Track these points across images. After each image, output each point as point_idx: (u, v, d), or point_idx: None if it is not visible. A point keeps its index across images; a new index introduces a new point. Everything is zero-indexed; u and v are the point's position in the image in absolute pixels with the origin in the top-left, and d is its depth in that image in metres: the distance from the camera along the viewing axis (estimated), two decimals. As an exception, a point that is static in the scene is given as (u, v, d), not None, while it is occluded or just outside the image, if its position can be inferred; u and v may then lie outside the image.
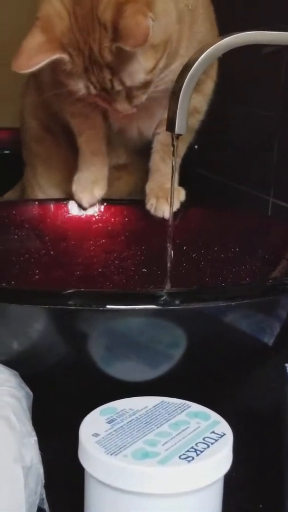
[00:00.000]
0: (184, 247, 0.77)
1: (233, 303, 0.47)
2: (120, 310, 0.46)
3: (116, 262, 0.79)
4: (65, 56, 0.65)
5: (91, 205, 0.80)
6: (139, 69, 0.65)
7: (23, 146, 0.94)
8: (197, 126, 0.82)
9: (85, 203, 0.80)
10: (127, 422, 0.43)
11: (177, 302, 0.46)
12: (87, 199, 0.79)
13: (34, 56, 0.64)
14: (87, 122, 0.78)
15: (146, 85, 0.68)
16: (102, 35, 0.63)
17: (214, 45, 0.60)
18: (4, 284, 0.71)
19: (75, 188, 0.80)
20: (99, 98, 0.69)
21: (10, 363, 0.48)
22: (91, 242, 0.80)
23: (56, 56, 0.65)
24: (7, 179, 1.09)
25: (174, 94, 0.61)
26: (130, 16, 0.60)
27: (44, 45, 0.64)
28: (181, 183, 0.81)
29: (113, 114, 0.77)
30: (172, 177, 0.71)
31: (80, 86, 0.68)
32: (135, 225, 0.81)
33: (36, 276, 0.75)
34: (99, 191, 0.80)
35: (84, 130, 0.80)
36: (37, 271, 0.76)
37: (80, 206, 0.80)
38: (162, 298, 0.45)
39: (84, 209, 0.80)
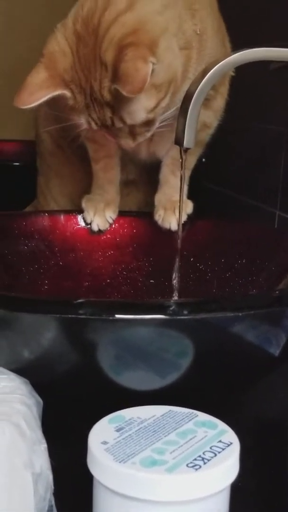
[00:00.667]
0: (192, 259, 0.78)
1: (240, 314, 0.48)
2: (130, 319, 0.46)
3: (124, 273, 0.80)
4: (66, 92, 0.67)
5: (104, 229, 0.81)
6: (139, 108, 0.66)
7: (38, 156, 0.95)
8: (207, 140, 0.83)
9: (95, 227, 0.81)
10: (136, 431, 0.44)
11: (185, 312, 0.46)
12: (98, 222, 0.81)
13: (36, 91, 0.66)
14: (103, 149, 0.79)
15: (148, 123, 0.68)
16: (103, 75, 0.64)
17: (222, 62, 0.61)
18: (13, 293, 0.72)
19: (87, 209, 0.81)
20: (102, 132, 0.70)
21: (20, 371, 0.49)
22: (100, 253, 0.81)
23: (57, 92, 0.66)
24: (17, 191, 1.11)
25: (182, 109, 0.62)
26: (131, 61, 0.61)
27: (46, 81, 0.66)
28: (189, 196, 0.82)
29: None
30: (180, 190, 0.72)
31: (82, 121, 0.69)
32: (143, 237, 0.82)
33: (45, 287, 0.76)
34: (112, 214, 0.81)
35: (100, 158, 0.81)
36: (46, 282, 0.77)
37: (90, 227, 0.81)
38: (170, 308, 0.46)
39: (95, 232, 0.81)
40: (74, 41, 0.66)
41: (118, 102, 0.65)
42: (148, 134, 0.71)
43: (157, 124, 0.70)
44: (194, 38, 0.70)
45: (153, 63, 0.63)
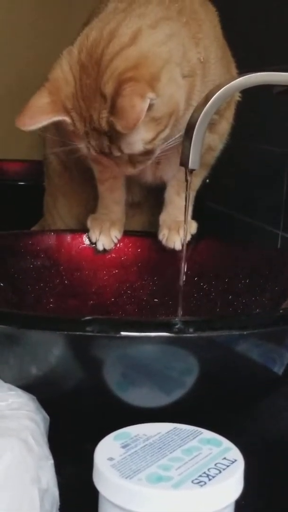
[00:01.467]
0: (195, 278, 0.79)
1: (245, 332, 0.48)
2: (136, 337, 0.47)
3: (128, 292, 0.81)
4: (67, 119, 0.68)
5: (109, 248, 0.82)
6: (137, 140, 0.67)
7: (46, 176, 0.97)
8: (212, 162, 0.84)
9: (100, 246, 0.82)
10: (141, 447, 0.44)
11: (191, 330, 0.47)
12: (103, 241, 0.82)
13: (37, 115, 0.67)
14: (108, 171, 0.80)
15: (148, 153, 0.69)
16: (102, 106, 0.66)
17: (226, 86, 0.62)
18: (21, 311, 0.72)
19: (92, 228, 0.82)
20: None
21: (28, 388, 0.49)
22: (105, 272, 0.82)
23: (58, 118, 0.68)
24: (23, 211, 1.12)
25: (188, 131, 0.63)
26: (128, 96, 0.62)
27: (48, 106, 0.67)
28: (193, 216, 0.83)
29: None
30: (185, 211, 0.73)
31: (82, 146, 0.70)
32: (148, 256, 0.83)
33: (51, 305, 0.77)
34: (117, 234, 0.82)
35: (106, 179, 0.82)
36: (51, 300, 0.77)
37: (96, 246, 0.82)
38: (176, 326, 0.47)
39: (100, 251, 0.82)
40: (78, 70, 0.67)
41: (116, 133, 0.66)
42: (149, 162, 0.72)
43: (157, 153, 0.71)
44: (198, 66, 0.71)
45: (152, 99, 0.64)
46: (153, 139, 0.68)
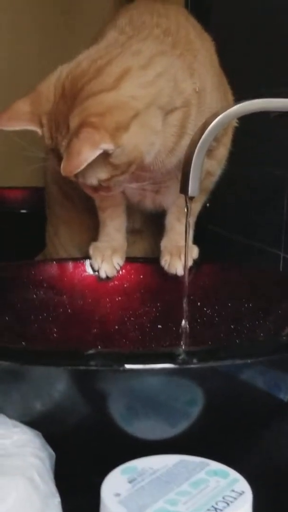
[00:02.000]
0: (198, 303, 0.78)
1: (249, 361, 0.48)
2: (140, 369, 0.47)
3: (132, 319, 0.81)
4: (39, 132, 0.70)
5: (112, 276, 0.82)
6: (91, 175, 0.68)
7: (47, 206, 0.97)
8: (211, 187, 0.84)
9: (102, 274, 0.82)
10: (148, 482, 0.44)
11: (194, 360, 0.47)
12: (106, 269, 0.82)
13: (14, 119, 0.70)
14: (109, 199, 0.81)
15: (105, 187, 0.70)
16: (65, 135, 0.67)
17: (223, 113, 0.62)
18: (23, 342, 0.72)
19: (94, 256, 0.82)
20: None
21: (33, 424, 0.49)
22: (107, 299, 0.82)
23: (31, 128, 0.70)
24: (24, 239, 1.12)
25: (187, 158, 0.64)
26: (80, 141, 0.63)
27: (26, 114, 0.70)
28: (194, 240, 0.83)
29: (129, 190, 0.80)
30: (186, 237, 0.73)
31: (53, 162, 0.71)
32: (150, 282, 0.83)
33: (54, 334, 0.77)
34: (119, 261, 0.83)
35: (106, 206, 0.83)
36: (55, 329, 0.77)
37: (98, 274, 0.82)
38: (180, 357, 0.47)
39: (102, 278, 0.82)
40: (59, 93, 0.69)
41: None
42: (110, 194, 0.73)
43: (118, 190, 0.72)
44: (193, 96, 0.72)
45: (109, 149, 0.64)
46: (107, 180, 0.68)
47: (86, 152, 0.63)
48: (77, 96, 0.67)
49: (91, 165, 0.65)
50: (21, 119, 0.70)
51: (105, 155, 0.66)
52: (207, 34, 0.80)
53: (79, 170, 0.63)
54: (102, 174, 0.68)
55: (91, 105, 0.66)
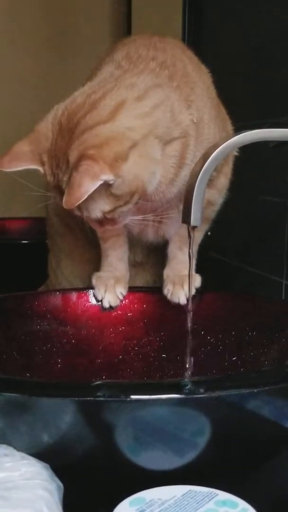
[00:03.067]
0: (202, 332, 0.79)
1: (255, 390, 0.48)
2: (146, 400, 0.47)
3: (136, 348, 0.81)
4: (41, 169, 0.71)
5: (115, 305, 0.83)
6: (95, 208, 0.69)
7: (48, 237, 0.98)
8: (213, 216, 0.85)
9: (106, 303, 0.82)
10: (157, 513, 0.44)
11: (201, 390, 0.47)
12: (109, 298, 0.82)
13: (15, 160, 0.71)
14: (110, 230, 0.82)
15: (109, 220, 0.71)
16: (65, 170, 0.68)
17: (224, 144, 0.63)
18: (28, 374, 0.72)
19: (97, 286, 0.83)
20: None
21: (40, 455, 0.49)
22: (111, 329, 0.82)
23: (33, 167, 0.71)
24: (26, 269, 1.12)
25: (189, 188, 0.64)
26: (79, 174, 0.64)
27: (27, 154, 0.71)
28: (197, 269, 0.84)
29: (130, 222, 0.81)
30: (189, 266, 0.73)
31: (56, 198, 0.72)
32: (153, 312, 0.83)
33: (59, 365, 0.77)
34: (122, 290, 0.83)
35: (108, 237, 0.84)
36: (59, 360, 0.77)
37: (102, 304, 0.82)
38: (187, 387, 0.47)
39: (106, 308, 0.82)
40: (56, 130, 0.70)
41: None
42: (116, 227, 0.74)
43: (123, 221, 0.72)
44: (191, 127, 0.73)
45: (109, 180, 0.65)
46: (111, 211, 0.69)
47: (86, 184, 0.64)
48: (74, 131, 0.68)
49: (94, 198, 0.66)
50: (22, 160, 0.71)
51: (107, 186, 0.66)
52: (204, 66, 0.81)
53: (80, 202, 0.64)
54: (105, 206, 0.68)
55: (88, 138, 0.67)
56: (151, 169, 0.69)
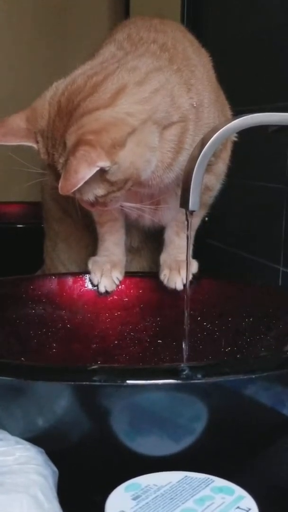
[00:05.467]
0: (198, 318, 0.78)
1: (253, 376, 0.48)
2: (143, 385, 0.47)
3: (131, 334, 0.80)
4: (35, 147, 0.70)
5: (111, 290, 0.82)
6: (88, 191, 0.68)
7: (44, 221, 0.97)
8: (210, 201, 0.84)
9: (102, 288, 0.81)
10: (152, 499, 0.43)
11: (199, 376, 0.47)
12: (105, 283, 0.81)
13: (10, 135, 0.70)
14: (107, 213, 0.81)
15: (100, 203, 0.70)
16: (62, 152, 0.67)
17: (223, 128, 0.62)
18: (23, 358, 0.72)
19: (93, 270, 0.82)
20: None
21: (35, 440, 0.49)
22: (107, 314, 0.81)
23: (27, 144, 0.70)
24: (22, 253, 1.12)
25: (187, 172, 0.64)
26: (76, 160, 0.63)
27: (22, 131, 0.70)
28: (194, 255, 0.83)
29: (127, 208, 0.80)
30: (187, 251, 0.73)
31: (50, 177, 0.71)
32: (150, 297, 0.82)
33: (54, 350, 0.76)
34: (118, 275, 0.82)
35: (105, 221, 0.83)
36: (54, 345, 0.77)
37: (97, 289, 0.82)
38: (184, 372, 0.46)
39: (102, 293, 0.82)
40: (55, 110, 0.69)
41: None
42: (107, 209, 0.73)
43: (114, 205, 0.72)
44: (191, 111, 0.72)
45: (106, 166, 0.64)
46: (104, 196, 0.68)
47: (83, 171, 0.63)
48: (73, 113, 0.67)
49: (88, 182, 0.65)
50: (17, 135, 0.70)
51: (102, 172, 0.66)
52: (204, 50, 0.80)
53: (76, 188, 0.63)
54: (99, 190, 0.68)
55: (87, 122, 0.65)
56: (146, 157, 0.68)
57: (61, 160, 0.67)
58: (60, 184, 0.64)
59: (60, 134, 0.67)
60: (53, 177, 0.69)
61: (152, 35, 0.74)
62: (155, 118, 0.68)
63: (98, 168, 0.64)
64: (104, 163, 0.64)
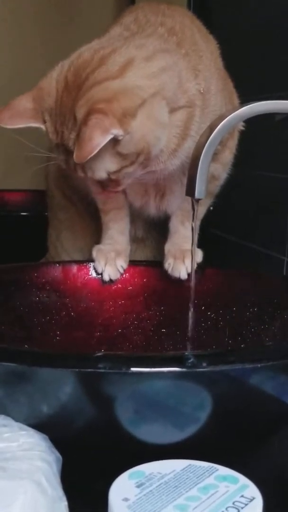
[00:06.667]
0: (203, 307, 0.78)
1: (259, 365, 0.48)
2: (148, 372, 0.46)
3: (135, 322, 0.80)
4: (43, 128, 0.69)
5: (115, 279, 0.82)
6: (100, 168, 0.67)
7: (48, 210, 0.97)
8: (216, 191, 0.84)
9: (106, 276, 0.81)
10: (156, 486, 0.43)
11: (204, 364, 0.47)
12: (109, 272, 0.81)
13: (17, 117, 0.69)
14: (111, 201, 0.80)
15: (114, 181, 0.69)
16: (72, 127, 0.66)
17: (231, 115, 0.62)
18: (26, 346, 0.72)
19: (98, 259, 0.82)
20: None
21: (39, 427, 0.48)
22: (111, 303, 0.81)
23: (35, 125, 0.69)
24: (26, 241, 1.11)
25: (194, 160, 0.63)
26: (90, 128, 0.62)
27: (29, 111, 0.69)
28: (199, 244, 0.83)
29: (132, 194, 0.79)
30: (192, 239, 0.72)
31: (58, 158, 0.70)
32: (154, 286, 0.82)
33: (57, 337, 0.76)
34: (123, 264, 0.82)
35: (109, 209, 0.82)
36: (58, 332, 0.77)
37: (102, 277, 0.82)
38: (189, 360, 0.46)
39: (106, 281, 0.81)
40: (62, 86, 0.68)
41: None
42: (119, 189, 0.72)
43: (127, 182, 0.71)
44: (198, 97, 0.71)
45: (118, 135, 0.64)
46: (117, 171, 0.68)
47: (97, 137, 0.62)
48: (81, 86, 0.66)
49: (100, 157, 0.65)
50: (24, 117, 0.69)
51: (113, 145, 0.65)
52: (212, 37, 0.80)
53: (91, 155, 0.62)
54: (111, 165, 0.67)
55: (96, 92, 0.65)
56: (157, 133, 0.68)
57: (72, 136, 0.66)
58: (75, 154, 0.63)
59: (69, 109, 0.66)
60: (62, 157, 0.69)
61: (160, 18, 0.73)
62: (164, 94, 0.68)
63: (111, 136, 0.63)
64: (117, 131, 0.63)
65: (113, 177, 0.68)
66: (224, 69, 0.79)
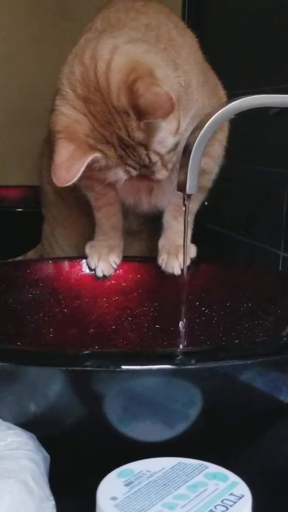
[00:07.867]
0: (197, 303, 0.78)
1: (248, 362, 0.47)
2: (137, 370, 0.46)
3: (129, 319, 0.80)
4: (98, 154, 0.67)
5: (108, 275, 0.81)
6: (167, 135, 0.67)
7: (43, 205, 0.96)
8: (208, 185, 0.83)
9: (99, 272, 0.81)
10: (145, 485, 0.43)
11: (193, 361, 0.46)
12: (102, 267, 0.81)
13: (71, 167, 0.65)
14: (103, 198, 0.80)
15: (175, 147, 0.69)
16: (125, 120, 0.65)
17: (223, 109, 0.61)
18: (19, 343, 0.71)
19: (91, 255, 0.82)
20: (138, 177, 0.70)
21: (27, 426, 0.48)
22: (104, 299, 0.81)
23: (90, 158, 0.66)
24: (20, 236, 1.11)
25: (184, 156, 0.63)
26: (146, 91, 0.62)
27: (75, 153, 0.66)
28: (193, 239, 0.82)
29: (124, 191, 0.78)
30: (184, 235, 0.72)
31: (120, 175, 0.69)
32: (148, 282, 0.82)
33: (51, 335, 0.76)
34: (116, 259, 0.82)
35: (101, 206, 0.82)
36: (51, 330, 0.76)
37: (95, 273, 0.81)
38: (178, 358, 0.46)
39: (99, 278, 0.81)
40: (82, 105, 0.67)
41: (148, 137, 0.66)
42: (175, 158, 0.71)
43: (179, 147, 0.70)
44: (179, 89, 0.71)
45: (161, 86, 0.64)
46: (178, 128, 0.68)
47: (159, 90, 0.62)
48: (99, 87, 0.66)
49: (160, 125, 0.65)
50: (75, 160, 0.66)
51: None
52: (190, 31, 0.79)
53: (174, 102, 0.63)
54: (172, 125, 0.67)
55: (116, 76, 0.65)
56: (176, 85, 0.68)
57: (133, 125, 0.65)
58: (160, 115, 0.63)
59: (108, 113, 0.66)
60: (134, 159, 0.68)
61: (132, 14, 0.73)
62: (162, 66, 0.68)
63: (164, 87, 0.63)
64: (160, 82, 0.64)
65: (177, 138, 0.68)
66: (205, 63, 0.79)
